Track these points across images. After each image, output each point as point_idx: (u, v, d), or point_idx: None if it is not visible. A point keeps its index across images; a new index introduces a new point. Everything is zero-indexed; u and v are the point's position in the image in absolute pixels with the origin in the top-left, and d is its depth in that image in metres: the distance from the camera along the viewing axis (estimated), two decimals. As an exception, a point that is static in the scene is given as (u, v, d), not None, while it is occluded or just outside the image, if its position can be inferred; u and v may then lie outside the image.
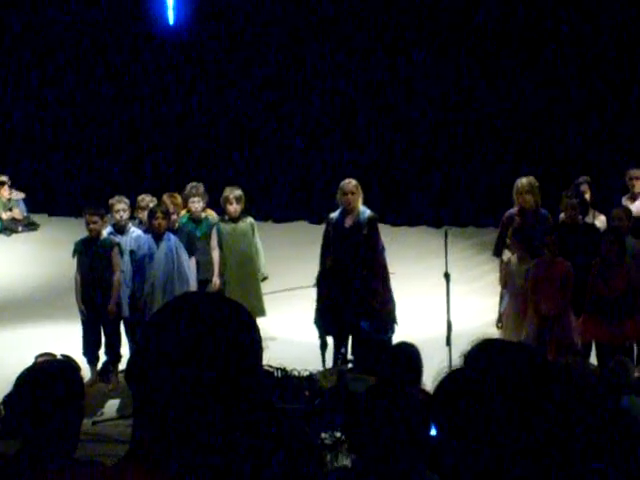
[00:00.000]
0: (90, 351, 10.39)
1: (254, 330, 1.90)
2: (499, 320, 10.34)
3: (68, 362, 4.32)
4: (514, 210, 10.86)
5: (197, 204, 11.49)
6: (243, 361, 1.83)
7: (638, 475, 2.95)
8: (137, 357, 1.88)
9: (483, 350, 1.90)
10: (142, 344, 1.87)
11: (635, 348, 9.91)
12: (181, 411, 1.77)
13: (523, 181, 10.83)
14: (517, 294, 10.01)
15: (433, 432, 5.04)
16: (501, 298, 10.45)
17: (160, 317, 1.88)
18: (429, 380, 7.32)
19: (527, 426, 1.78)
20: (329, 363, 10.19)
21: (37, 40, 18.30)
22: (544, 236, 9.98)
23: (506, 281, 10.23)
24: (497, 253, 11.02)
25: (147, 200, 11.54)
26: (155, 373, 1.79)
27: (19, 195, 17.82)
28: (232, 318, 1.87)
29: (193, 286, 10.46)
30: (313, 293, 10.62)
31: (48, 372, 3.63)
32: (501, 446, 1.77)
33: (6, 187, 17.59)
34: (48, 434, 3.48)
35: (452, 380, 1.89)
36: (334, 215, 10.47)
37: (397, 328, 10.35)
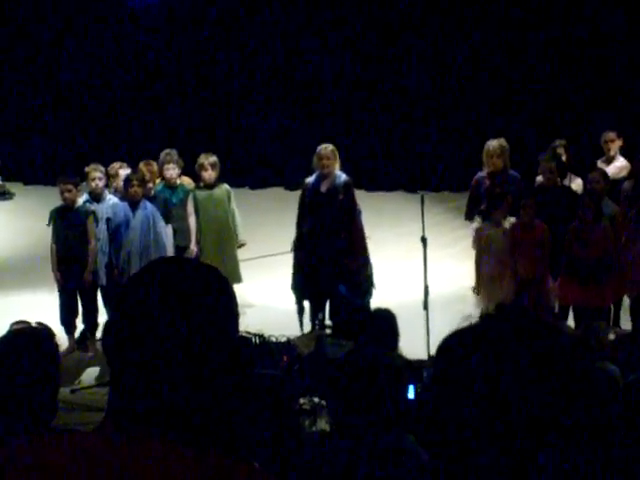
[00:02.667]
0: (67, 320, 10.36)
1: (230, 296, 1.89)
2: (476, 285, 10.32)
3: (42, 329, 4.29)
4: (483, 173, 10.78)
5: (172, 171, 11.40)
6: (220, 326, 1.82)
7: (609, 435, 2.98)
8: (112, 323, 1.86)
9: (501, 315, 1.88)
10: (117, 310, 1.85)
11: (612, 310, 9.96)
12: (157, 377, 1.76)
13: (494, 144, 10.68)
14: (494, 258, 9.99)
15: (411, 395, 5.07)
16: (477, 264, 10.38)
17: (135, 282, 1.87)
18: (406, 345, 7.36)
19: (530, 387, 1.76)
20: (307, 328, 10.21)
21: (10, 12, 18.10)
22: (519, 199, 9.95)
23: (480, 247, 10.17)
24: (469, 217, 10.97)
25: (116, 167, 11.46)
26: (131, 339, 1.78)
27: (-7, 164, 17.68)
28: (208, 283, 1.85)
29: (170, 253, 10.42)
30: (290, 259, 10.60)
31: (21, 339, 3.61)
32: (487, 405, 1.74)
33: (-20, 156, 17.46)
34: (24, 403, 3.46)
35: (463, 337, 1.84)
36: (310, 180, 10.43)
37: (374, 292, 10.36)
